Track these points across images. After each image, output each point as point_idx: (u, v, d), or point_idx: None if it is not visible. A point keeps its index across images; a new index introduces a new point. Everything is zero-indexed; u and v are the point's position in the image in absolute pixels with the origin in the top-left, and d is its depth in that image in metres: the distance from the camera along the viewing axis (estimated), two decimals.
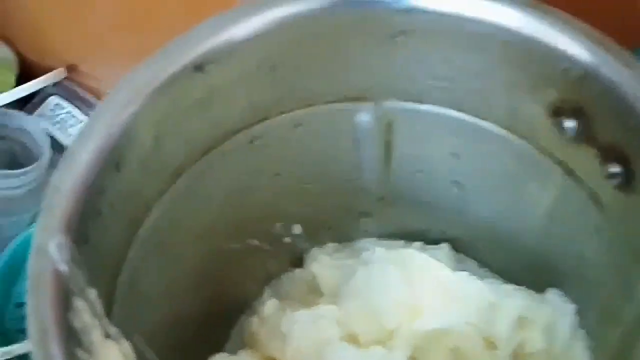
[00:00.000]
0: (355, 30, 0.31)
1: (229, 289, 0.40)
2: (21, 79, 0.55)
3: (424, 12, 0.30)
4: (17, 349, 0.42)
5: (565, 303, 0.36)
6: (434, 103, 0.34)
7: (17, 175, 0.49)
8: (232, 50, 0.30)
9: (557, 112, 0.30)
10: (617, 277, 0.32)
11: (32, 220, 0.50)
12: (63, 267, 0.25)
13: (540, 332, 0.35)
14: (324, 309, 0.36)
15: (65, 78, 0.55)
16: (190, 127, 0.31)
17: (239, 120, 0.33)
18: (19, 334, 0.48)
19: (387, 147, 0.36)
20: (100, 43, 0.51)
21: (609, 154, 0.29)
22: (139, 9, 0.47)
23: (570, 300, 0.36)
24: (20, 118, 0.51)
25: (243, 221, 0.37)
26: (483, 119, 0.33)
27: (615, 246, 0.31)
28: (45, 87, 0.54)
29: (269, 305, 0.38)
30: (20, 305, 0.49)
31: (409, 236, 0.41)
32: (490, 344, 0.35)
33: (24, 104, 0.55)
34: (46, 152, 0.50)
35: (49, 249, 0.25)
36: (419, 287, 0.36)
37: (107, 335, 0.27)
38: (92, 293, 0.27)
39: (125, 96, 0.28)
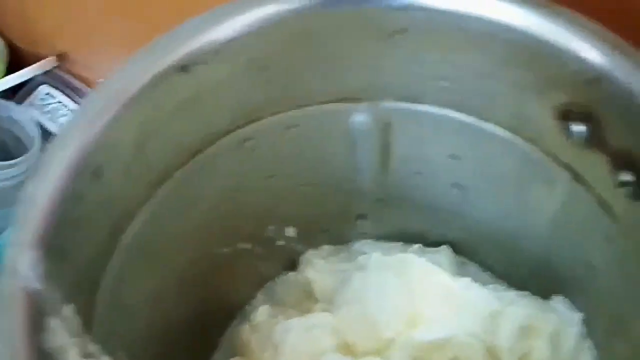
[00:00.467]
0: (350, 28, 0.29)
1: (219, 294, 0.38)
2: (11, 68, 0.53)
3: (423, 9, 0.28)
4: None
5: (572, 311, 0.34)
6: (433, 103, 0.32)
7: (7, 167, 0.48)
8: (219, 49, 0.28)
9: (566, 115, 0.28)
10: (627, 289, 0.30)
11: None
12: (35, 285, 0.24)
13: (545, 341, 0.34)
14: (318, 317, 0.35)
15: (56, 67, 0.54)
16: (176, 130, 0.29)
17: (228, 122, 0.31)
18: None
19: (385, 148, 0.35)
20: (92, 31, 0.50)
21: (619, 160, 0.28)
22: None
23: (576, 308, 0.34)
24: (10, 108, 0.50)
25: (234, 224, 0.36)
26: (485, 120, 0.32)
27: (626, 256, 0.29)
28: (35, 75, 0.53)
29: (261, 312, 0.36)
30: None
31: (407, 238, 0.40)
32: (493, 355, 0.34)
33: (14, 92, 0.53)
34: (37, 142, 0.49)
35: (21, 266, 0.24)
36: (418, 294, 0.34)
37: (87, 355, 0.26)
38: (69, 310, 0.25)
39: (104, 99, 0.27)
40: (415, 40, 0.29)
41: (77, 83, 0.55)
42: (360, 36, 0.29)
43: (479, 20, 0.28)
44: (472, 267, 0.39)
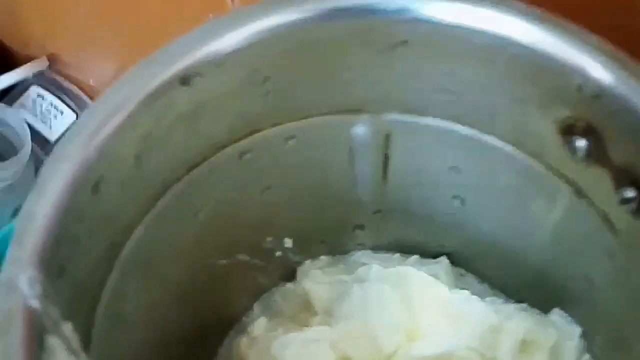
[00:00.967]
0: (352, 40, 0.29)
1: (216, 305, 0.38)
2: (2, 70, 0.53)
3: (427, 22, 0.27)
4: None
5: (571, 325, 0.34)
6: (435, 116, 0.32)
7: None
8: (220, 61, 0.28)
9: (568, 130, 0.28)
10: (627, 304, 0.30)
11: (13, 215, 0.49)
12: (34, 303, 0.23)
13: (545, 355, 0.34)
14: (317, 331, 0.34)
15: (47, 68, 0.53)
16: (175, 143, 0.29)
17: (227, 134, 0.31)
18: None
19: (385, 159, 0.34)
20: (83, 33, 0.50)
21: (622, 176, 0.27)
22: None
23: (575, 321, 0.34)
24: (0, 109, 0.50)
25: (232, 236, 0.35)
26: (487, 133, 0.31)
27: (627, 272, 0.29)
28: (26, 77, 0.53)
29: (259, 324, 0.36)
30: None
31: (405, 249, 0.40)
32: None
33: (4, 94, 0.53)
34: (27, 145, 0.48)
35: (19, 284, 0.23)
36: (417, 308, 0.34)
37: None
38: (68, 328, 0.25)
39: (104, 112, 0.26)
40: (417, 52, 0.29)
41: (68, 85, 0.54)
42: (363, 48, 0.29)
43: (483, 34, 0.27)
44: (470, 279, 0.39)
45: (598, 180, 0.28)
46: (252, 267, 0.38)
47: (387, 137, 0.33)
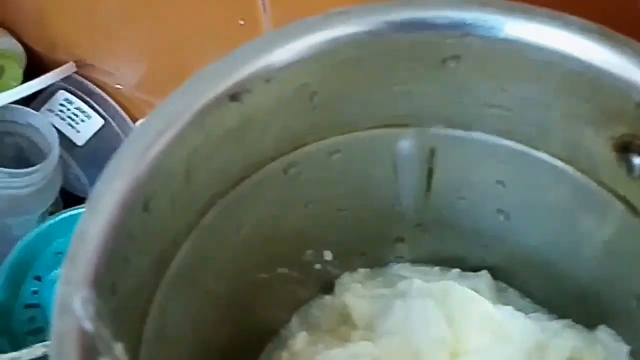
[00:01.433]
0: (402, 55, 0.28)
1: (255, 318, 0.37)
2: (28, 73, 0.53)
3: (481, 37, 0.27)
4: (25, 354, 0.40)
5: (619, 342, 0.33)
6: (482, 130, 0.31)
7: (25, 175, 0.48)
8: (270, 77, 0.27)
9: (624, 148, 0.28)
10: None
11: (41, 220, 0.49)
12: (88, 325, 0.23)
13: None
14: (360, 347, 0.34)
15: (74, 72, 0.53)
16: (223, 158, 0.29)
17: (273, 148, 0.30)
18: (27, 337, 0.46)
19: (429, 173, 0.34)
20: (111, 37, 0.50)
21: None
22: (149, 1, 0.45)
23: (623, 339, 0.34)
24: (28, 114, 0.50)
25: (273, 250, 0.35)
26: (536, 149, 0.31)
27: None
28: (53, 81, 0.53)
29: (300, 339, 0.36)
30: (29, 306, 0.48)
31: (444, 262, 0.39)
32: None
33: (32, 98, 0.53)
34: (55, 149, 0.48)
35: (74, 305, 0.23)
36: (461, 324, 0.34)
37: None
38: (119, 349, 0.25)
39: (154, 130, 0.26)
40: (468, 67, 0.29)
41: (95, 89, 0.55)
42: (412, 63, 0.29)
43: (538, 49, 0.27)
44: (512, 293, 0.38)
45: None
46: (291, 280, 0.37)
47: (432, 151, 0.33)
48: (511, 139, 0.31)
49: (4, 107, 0.49)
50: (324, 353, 0.34)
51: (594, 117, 0.28)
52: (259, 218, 0.33)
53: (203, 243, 0.30)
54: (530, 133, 0.30)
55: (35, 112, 0.51)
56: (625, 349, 0.33)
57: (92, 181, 0.27)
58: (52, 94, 0.54)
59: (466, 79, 0.29)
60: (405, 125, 0.32)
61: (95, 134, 0.54)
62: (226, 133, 0.28)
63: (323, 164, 0.32)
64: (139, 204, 0.25)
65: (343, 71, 0.29)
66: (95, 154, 0.54)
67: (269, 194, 0.32)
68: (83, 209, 0.24)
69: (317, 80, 0.29)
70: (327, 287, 0.39)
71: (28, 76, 0.53)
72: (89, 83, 0.55)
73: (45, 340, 0.41)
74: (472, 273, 0.38)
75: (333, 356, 0.33)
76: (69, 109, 0.54)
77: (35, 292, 0.48)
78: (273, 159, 0.31)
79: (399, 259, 0.39)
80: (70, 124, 0.54)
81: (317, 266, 0.38)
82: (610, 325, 0.34)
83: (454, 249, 0.38)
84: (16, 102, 0.51)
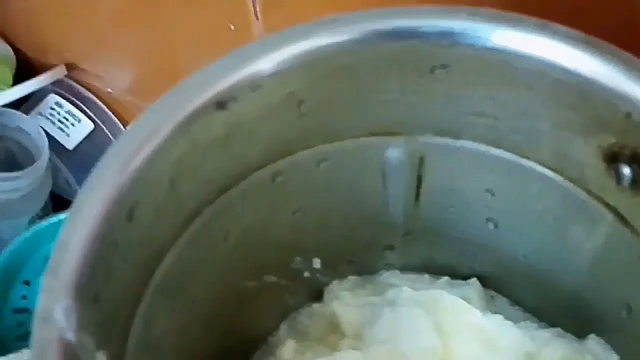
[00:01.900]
0: (391, 63, 0.28)
1: (243, 326, 0.37)
2: (19, 76, 0.53)
3: (470, 46, 0.27)
4: (13, 358, 0.40)
5: (608, 352, 0.33)
6: (471, 139, 0.31)
7: (14, 178, 0.47)
8: (257, 85, 0.27)
9: (613, 157, 0.28)
10: None
11: (30, 224, 0.49)
12: (70, 335, 0.23)
13: None
14: (347, 356, 0.34)
15: (65, 76, 0.53)
16: (209, 167, 0.29)
17: (260, 157, 0.30)
18: (15, 342, 0.46)
19: (418, 181, 0.34)
20: (102, 40, 0.50)
21: None
22: (141, 5, 0.45)
23: (612, 348, 0.33)
24: (17, 118, 0.50)
25: (260, 258, 0.35)
26: (525, 157, 0.31)
27: None
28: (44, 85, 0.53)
29: (288, 348, 0.35)
30: (18, 310, 0.47)
31: (434, 269, 0.39)
32: None
33: (22, 102, 0.53)
34: (45, 153, 0.48)
35: (55, 315, 0.23)
36: (450, 333, 0.33)
37: None
38: (102, 358, 0.24)
39: (139, 137, 0.26)
40: (457, 76, 0.28)
41: (86, 93, 0.54)
42: (401, 72, 0.29)
43: (527, 58, 0.27)
44: (501, 301, 0.38)
45: None
46: (279, 288, 0.37)
47: (421, 159, 0.33)
48: (500, 147, 0.31)
49: None
50: None
51: (583, 127, 0.28)
52: (246, 226, 0.32)
53: (189, 252, 0.30)
54: (520, 142, 0.30)
55: (25, 115, 0.51)
56: (615, 358, 0.33)
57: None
58: (43, 97, 0.54)
59: (455, 88, 0.29)
60: (394, 134, 0.31)
61: (85, 138, 0.54)
62: (212, 141, 0.28)
63: (311, 172, 0.32)
64: (123, 212, 0.25)
65: (331, 79, 0.29)
66: (86, 158, 0.53)
67: (256, 203, 0.32)
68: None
69: (304, 89, 0.28)
70: (316, 295, 0.39)
71: (18, 80, 0.53)
72: (80, 87, 0.54)
73: None
74: (461, 281, 0.38)
75: None
76: (59, 113, 0.54)
77: (24, 297, 0.47)
78: (260, 167, 0.31)
79: (389, 267, 0.39)
80: (60, 128, 0.54)
81: (306, 274, 0.37)
82: (600, 334, 0.34)
83: (443, 257, 0.38)
84: (6, 105, 0.50)
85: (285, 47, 0.27)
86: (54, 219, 0.47)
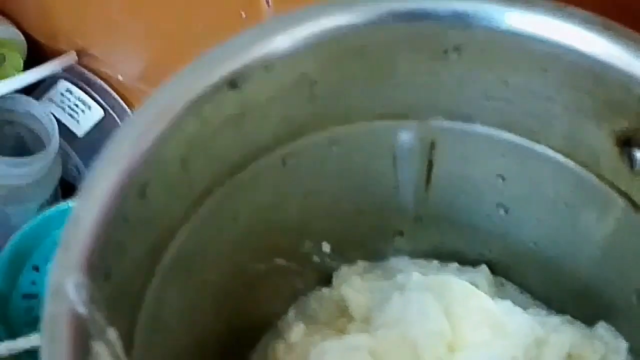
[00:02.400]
0: (403, 45, 0.28)
1: (252, 309, 0.37)
2: (29, 62, 0.53)
3: (484, 28, 0.27)
4: (22, 343, 0.40)
5: (618, 339, 0.33)
6: (483, 123, 0.31)
7: (24, 164, 0.47)
8: (269, 65, 0.27)
9: (626, 142, 0.27)
10: None
11: (40, 210, 0.49)
12: (82, 309, 0.23)
13: None
14: (356, 339, 0.34)
15: (75, 62, 0.53)
16: (220, 146, 0.29)
17: (271, 138, 0.30)
18: (24, 327, 0.46)
19: (429, 166, 0.34)
20: (113, 27, 0.49)
21: None
22: None
23: (622, 335, 0.33)
24: (28, 103, 0.49)
25: (270, 241, 0.35)
26: (538, 142, 0.31)
27: None
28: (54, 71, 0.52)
29: (296, 331, 0.35)
30: (27, 296, 0.47)
31: (443, 255, 0.39)
32: None
33: (32, 88, 0.53)
34: (54, 139, 0.48)
35: (67, 289, 0.23)
36: (459, 318, 0.33)
37: None
38: (112, 334, 0.24)
39: (151, 115, 0.26)
40: (470, 59, 0.28)
41: (96, 80, 0.54)
42: (414, 54, 0.29)
43: (540, 41, 0.26)
44: (510, 288, 0.38)
45: None
46: (288, 272, 0.37)
47: (432, 144, 0.33)
48: (512, 132, 0.31)
49: (4, 96, 0.49)
50: (319, 344, 0.33)
51: (597, 111, 0.28)
52: (257, 208, 0.32)
53: (199, 231, 0.30)
54: (532, 126, 0.30)
55: (35, 101, 0.51)
56: (624, 345, 0.33)
57: None
58: (53, 83, 0.54)
59: (467, 71, 0.29)
60: (406, 117, 0.31)
61: (95, 125, 0.54)
62: (224, 121, 0.28)
63: (322, 154, 0.32)
64: (135, 190, 0.25)
65: (344, 61, 0.28)
66: (95, 145, 0.53)
67: (267, 184, 0.32)
68: None
69: (317, 70, 0.28)
70: (325, 280, 0.39)
71: (29, 65, 0.53)
72: (90, 73, 0.54)
73: None
74: (470, 267, 0.38)
75: (329, 348, 0.33)
76: (69, 99, 0.54)
77: (33, 282, 0.48)
78: (272, 148, 0.31)
79: (398, 252, 0.39)
80: (70, 115, 0.53)
81: (315, 258, 0.37)
82: (609, 321, 0.34)
83: (453, 243, 0.38)
84: (17, 91, 0.50)
85: (298, 27, 0.27)
86: (63, 205, 0.47)
